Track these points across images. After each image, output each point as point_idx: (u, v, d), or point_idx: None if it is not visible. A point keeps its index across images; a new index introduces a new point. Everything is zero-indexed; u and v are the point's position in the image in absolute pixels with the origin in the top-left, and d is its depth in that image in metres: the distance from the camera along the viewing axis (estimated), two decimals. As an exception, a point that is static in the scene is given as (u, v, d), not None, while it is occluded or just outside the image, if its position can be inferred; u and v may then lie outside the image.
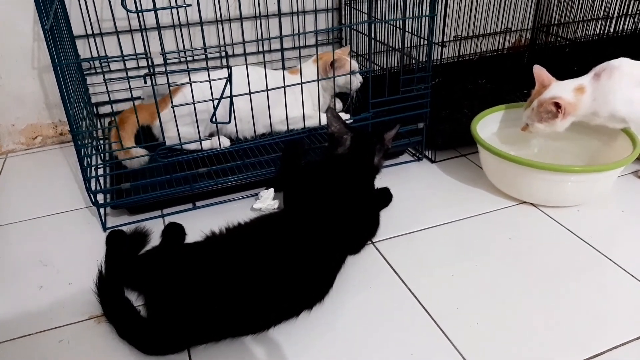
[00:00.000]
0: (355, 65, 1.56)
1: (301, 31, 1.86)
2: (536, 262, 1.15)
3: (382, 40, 1.65)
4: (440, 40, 1.43)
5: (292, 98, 1.44)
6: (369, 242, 1.22)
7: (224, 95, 1.26)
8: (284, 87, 1.35)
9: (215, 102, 1.27)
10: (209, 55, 1.78)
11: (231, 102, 1.29)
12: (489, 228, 1.27)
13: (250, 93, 1.31)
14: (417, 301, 1.05)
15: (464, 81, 1.91)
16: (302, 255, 1.02)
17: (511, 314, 1.01)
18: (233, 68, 1.24)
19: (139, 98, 1.69)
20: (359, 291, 1.08)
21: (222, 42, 1.77)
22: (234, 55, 1.80)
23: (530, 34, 2.16)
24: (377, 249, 1.20)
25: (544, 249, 1.19)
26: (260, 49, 1.84)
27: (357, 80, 1.59)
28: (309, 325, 0.99)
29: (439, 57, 1.78)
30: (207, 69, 1.25)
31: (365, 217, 1.21)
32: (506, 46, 2.14)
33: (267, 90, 1.33)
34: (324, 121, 1.53)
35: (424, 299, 1.05)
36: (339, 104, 1.72)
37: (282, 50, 1.36)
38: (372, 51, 1.45)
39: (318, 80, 1.45)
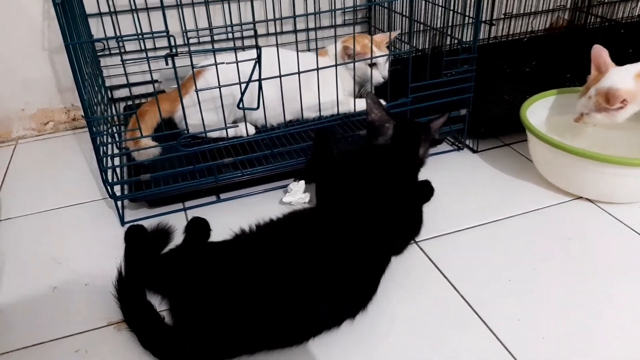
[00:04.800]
0: (377, 53, 1.41)
1: (330, 9, 1.73)
2: (603, 267, 1.03)
3: (419, 19, 1.52)
4: (489, 19, 1.31)
5: (321, 82, 1.32)
6: (412, 241, 1.11)
7: (252, 79, 1.14)
8: (317, 69, 1.23)
9: (243, 86, 1.16)
10: (229, 35, 1.66)
11: (260, 86, 1.18)
12: (543, 227, 1.15)
13: (280, 76, 1.20)
14: (472, 310, 0.94)
15: (506, 64, 1.77)
16: (343, 258, 0.91)
17: (582, 327, 0.90)
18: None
19: (156, 82, 1.58)
20: (406, 298, 0.97)
21: (244, 21, 1.65)
22: (257, 35, 1.68)
23: (570, 15, 2.02)
24: (421, 249, 1.09)
25: (609, 251, 1.08)
26: (286, 29, 1.71)
27: (378, 74, 1.45)
28: (352, 336, 0.89)
29: (485, 37, 1.64)
30: (235, 49, 1.13)
31: (408, 214, 1.10)
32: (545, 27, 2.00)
33: (298, 72, 1.22)
34: (358, 107, 1.42)
35: (479, 308, 0.94)
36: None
37: (315, 29, 1.23)
38: (413, 30, 1.32)
39: (353, 62, 1.33)
